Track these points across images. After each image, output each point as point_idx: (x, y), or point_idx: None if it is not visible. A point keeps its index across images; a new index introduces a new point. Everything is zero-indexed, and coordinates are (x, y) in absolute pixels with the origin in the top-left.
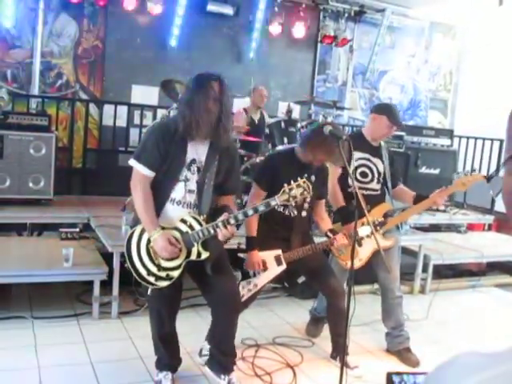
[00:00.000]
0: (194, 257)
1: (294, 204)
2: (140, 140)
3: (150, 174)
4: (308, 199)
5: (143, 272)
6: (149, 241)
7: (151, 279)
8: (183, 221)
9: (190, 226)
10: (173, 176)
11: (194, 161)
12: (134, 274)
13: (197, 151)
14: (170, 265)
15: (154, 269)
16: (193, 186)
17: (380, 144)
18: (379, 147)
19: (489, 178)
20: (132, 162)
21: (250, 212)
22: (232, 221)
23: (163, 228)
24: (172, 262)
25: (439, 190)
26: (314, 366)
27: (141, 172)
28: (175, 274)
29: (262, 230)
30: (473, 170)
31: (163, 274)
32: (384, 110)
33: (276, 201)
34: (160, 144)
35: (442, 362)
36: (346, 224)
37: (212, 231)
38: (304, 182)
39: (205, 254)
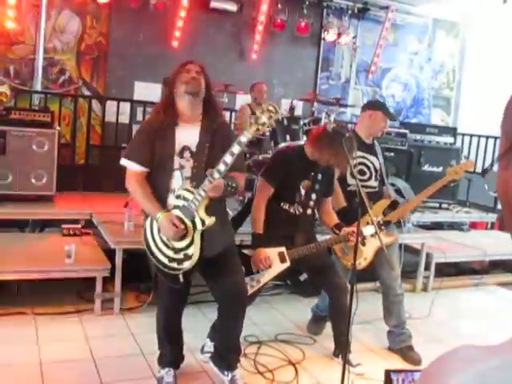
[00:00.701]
0: (200, 226)
1: (298, 193)
2: None
3: (142, 169)
4: (314, 197)
5: (165, 260)
6: (159, 229)
7: (174, 265)
8: (177, 196)
9: (184, 198)
10: (166, 166)
11: (185, 147)
12: (161, 267)
13: (187, 137)
14: (183, 244)
15: (171, 253)
16: (189, 172)
17: (373, 141)
18: (373, 145)
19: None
20: (123, 162)
21: (228, 158)
22: (216, 174)
23: (167, 211)
24: (183, 241)
25: (431, 187)
26: (316, 363)
27: (133, 169)
28: (191, 251)
29: (266, 227)
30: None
31: (181, 255)
32: (379, 105)
33: (246, 135)
34: (145, 139)
35: (440, 355)
36: (349, 224)
37: (203, 193)
38: (270, 105)
39: (209, 220)
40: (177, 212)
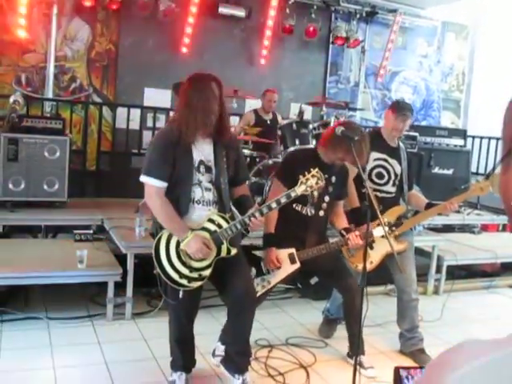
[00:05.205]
0: (224, 254)
1: (311, 194)
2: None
3: (163, 184)
4: (327, 199)
5: (175, 276)
6: (178, 244)
7: (184, 282)
8: (211, 220)
9: (218, 225)
10: (186, 181)
11: (201, 162)
12: (166, 279)
13: (202, 152)
14: (202, 265)
15: (185, 271)
16: (207, 184)
17: (399, 145)
18: (398, 148)
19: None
20: (143, 179)
21: (274, 205)
22: (257, 214)
23: (192, 230)
24: (203, 262)
25: (453, 199)
26: (328, 366)
27: (154, 185)
28: (207, 272)
29: (277, 228)
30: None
31: (195, 274)
32: (391, 104)
33: (296, 192)
34: (165, 154)
35: (446, 349)
36: (359, 225)
37: (239, 226)
38: (317, 172)
39: (234, 250)
40: (205, 234)
